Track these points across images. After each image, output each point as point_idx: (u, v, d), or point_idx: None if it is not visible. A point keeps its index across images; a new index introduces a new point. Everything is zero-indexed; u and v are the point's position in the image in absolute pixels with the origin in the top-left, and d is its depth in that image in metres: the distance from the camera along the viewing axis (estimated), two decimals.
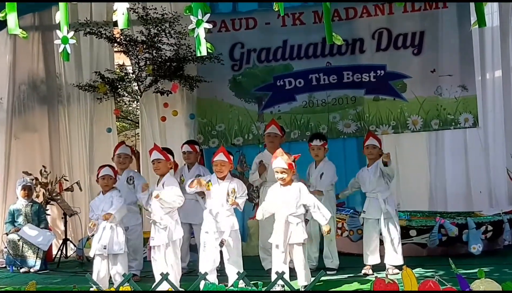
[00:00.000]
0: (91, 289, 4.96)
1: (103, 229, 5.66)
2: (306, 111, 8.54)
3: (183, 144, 7.02)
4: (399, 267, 5.71)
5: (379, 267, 6.04)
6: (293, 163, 5.25)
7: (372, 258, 6.09)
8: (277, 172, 5.26)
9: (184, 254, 6.40)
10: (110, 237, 5.64)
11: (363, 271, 6.04)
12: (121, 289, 4.71)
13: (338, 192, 6.65)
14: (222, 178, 5.50)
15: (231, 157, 5.59)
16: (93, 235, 5.73)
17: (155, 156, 5.70)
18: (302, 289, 5.01)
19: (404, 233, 6.72)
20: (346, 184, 6.65)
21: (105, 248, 5.61)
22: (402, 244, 6.10)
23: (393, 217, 6.04)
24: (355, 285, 5.47)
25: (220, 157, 5.49)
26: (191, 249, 6.91)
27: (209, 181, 5.48)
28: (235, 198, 5.31)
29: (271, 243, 5.33)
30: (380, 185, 6.08)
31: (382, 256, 6.09)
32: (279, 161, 5.24)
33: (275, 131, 6.52)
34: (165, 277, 4.76)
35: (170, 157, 5.87)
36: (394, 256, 5.97)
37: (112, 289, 4.96)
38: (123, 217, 5.85)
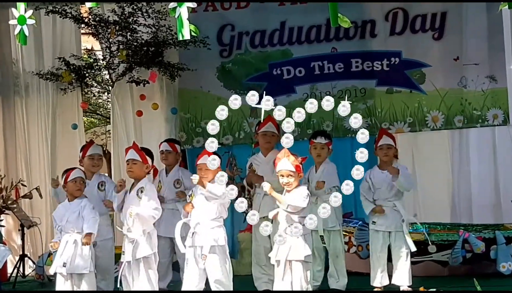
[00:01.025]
0: None
1: (66, 242, 5.57)
2: None
3: (162, 142, 7.02)
4: (416, 289, 5.73)
5: (391, 288, 6.05)
6: (300, 166, 5.23)
7: (381, 278, 6.07)
8: (282, 176, 5.19)
9: (164, 273, 6.37)
10: (72, 253, 5.51)
11: None
12: None
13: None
14: None
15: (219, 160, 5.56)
16: (56, 251, 5.68)
17: (130, 155, 5.67)
18: None
19: (422, 248, 6.74)
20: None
21: (64, 266, 5.51)
22: (420, 261, 6.09)
23: (405, 229, 6.08)
24: None
25: (204, 159, 5.47)
26: (173, 267, 6.89)
27: (191, 193, 5.48)
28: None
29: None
30: (398, 193, 6.10)
31: (390, 276, 6.10)
32: (285, 162, 5.18)
33: (272, 130, 6.29)
34: None
35: (149, 159, 5.84)
36: (404, 275, 5.99)
37: None
38: None
